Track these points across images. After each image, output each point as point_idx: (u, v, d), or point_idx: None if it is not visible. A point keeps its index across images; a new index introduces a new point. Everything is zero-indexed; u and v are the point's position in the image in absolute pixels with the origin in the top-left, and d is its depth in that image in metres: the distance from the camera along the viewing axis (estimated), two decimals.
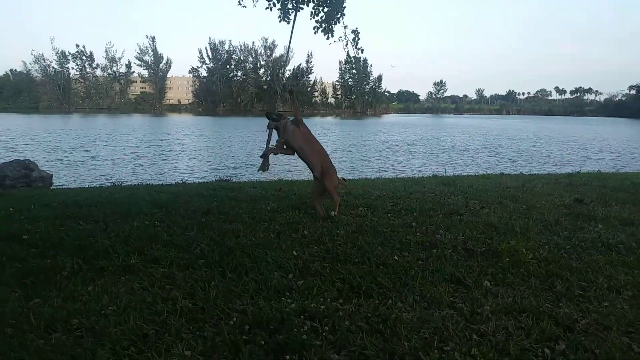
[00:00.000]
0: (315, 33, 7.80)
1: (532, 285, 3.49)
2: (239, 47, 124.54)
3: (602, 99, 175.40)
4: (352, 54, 7.94)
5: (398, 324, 2.78)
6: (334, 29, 7.76)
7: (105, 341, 2.56)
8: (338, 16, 7.67)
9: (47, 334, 2.66)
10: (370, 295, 3.27)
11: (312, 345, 2.55)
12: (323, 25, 7.76)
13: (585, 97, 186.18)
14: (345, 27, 7.74)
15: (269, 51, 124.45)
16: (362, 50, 8.03)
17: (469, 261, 4.00)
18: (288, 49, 7.71)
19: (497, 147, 32.92)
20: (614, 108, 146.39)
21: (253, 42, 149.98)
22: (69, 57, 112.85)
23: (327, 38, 7.77)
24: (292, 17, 7.45)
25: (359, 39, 7.83)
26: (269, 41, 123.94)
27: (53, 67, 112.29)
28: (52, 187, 10.62)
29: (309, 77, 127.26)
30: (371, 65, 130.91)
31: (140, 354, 2.46)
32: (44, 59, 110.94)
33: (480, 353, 2.50)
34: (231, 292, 3.26)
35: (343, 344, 2.59)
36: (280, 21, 7.85)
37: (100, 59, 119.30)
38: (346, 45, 7.88)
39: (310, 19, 7.82)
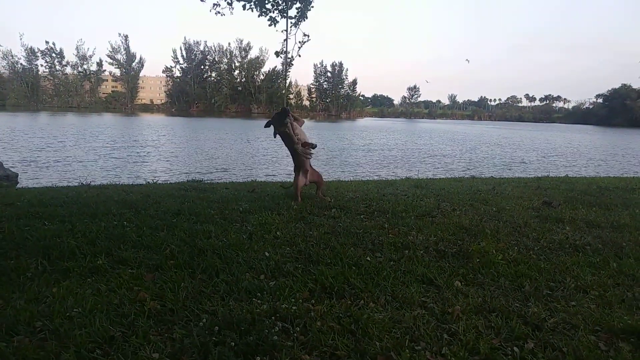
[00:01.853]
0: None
1: (501, 285, 3.54)
2: (214, 48, 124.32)
3: (570, 107, 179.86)
4: (294, 55, 7.87)
5: (370, 324, 2.78)
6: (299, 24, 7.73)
7: (69, 344, 2.49)
8: (303, 13, 7.64)
9: (9, 337, 2.57)
10: (342, 295, 3.27)
11: (283, 346, 2.53)
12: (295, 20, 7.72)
13: (554, 105, 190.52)
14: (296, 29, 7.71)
15: (243, 52, 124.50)
16: (300, 56, 8.08)
17: (441, 262, 4.03)
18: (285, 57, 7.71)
19: (469, 152, 33.41)
20: (581, 115, 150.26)
21: (229, 44, 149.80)
22: (38, 54, 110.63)
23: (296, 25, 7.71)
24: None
25: (303, 43, 7.83)
26: (244, 43, 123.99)
27: (21, 64, 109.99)
28: (17, 187, 10.33)
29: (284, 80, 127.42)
30: (347, 70, 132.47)
31: (106, 357, 2.40)
32: (12, 55, 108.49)
33: (451, 352, 2.52)
34: (201, 293, 3.21)
35: (314, 344, 2.58)
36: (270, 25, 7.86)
37: (70, 56, 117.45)
38: (285, 42, 7.84)
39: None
